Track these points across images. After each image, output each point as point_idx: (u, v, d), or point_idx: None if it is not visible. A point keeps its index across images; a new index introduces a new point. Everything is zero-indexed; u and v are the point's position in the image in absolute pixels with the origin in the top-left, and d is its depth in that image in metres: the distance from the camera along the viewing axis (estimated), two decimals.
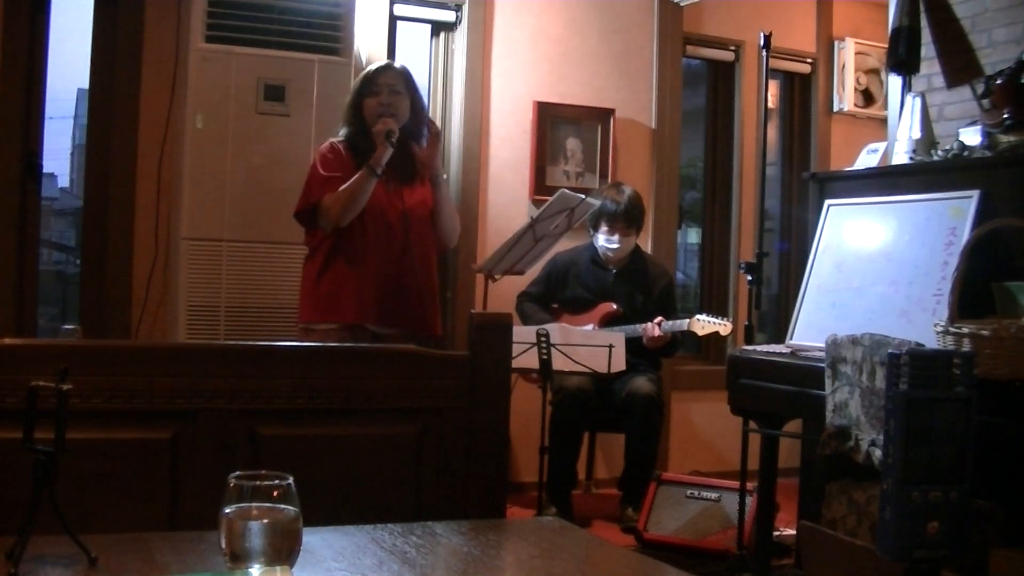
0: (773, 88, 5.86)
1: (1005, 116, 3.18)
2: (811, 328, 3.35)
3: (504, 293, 4.50)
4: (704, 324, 4.40)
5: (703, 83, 5.82)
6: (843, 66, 5.78)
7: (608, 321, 4.55)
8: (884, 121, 4.64)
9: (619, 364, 4.06)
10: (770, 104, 5.81)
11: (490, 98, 5.02)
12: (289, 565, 1.14)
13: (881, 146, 3.75)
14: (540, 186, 5.07)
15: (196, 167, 4.05)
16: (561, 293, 4.66)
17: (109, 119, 4.30)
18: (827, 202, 3.57)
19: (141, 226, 4.31)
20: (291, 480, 1.16)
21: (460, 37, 4.98)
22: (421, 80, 3.68)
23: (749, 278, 3.83)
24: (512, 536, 1.63)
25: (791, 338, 3.44)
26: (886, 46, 3.92)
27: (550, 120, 5.14)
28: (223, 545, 1.14)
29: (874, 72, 5.81)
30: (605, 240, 4.57)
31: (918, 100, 3.58)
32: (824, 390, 2.88)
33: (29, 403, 1.30)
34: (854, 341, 2.78)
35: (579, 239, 4.75)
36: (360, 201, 3.39)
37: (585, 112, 5.21)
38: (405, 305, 3.48)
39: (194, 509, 1.66)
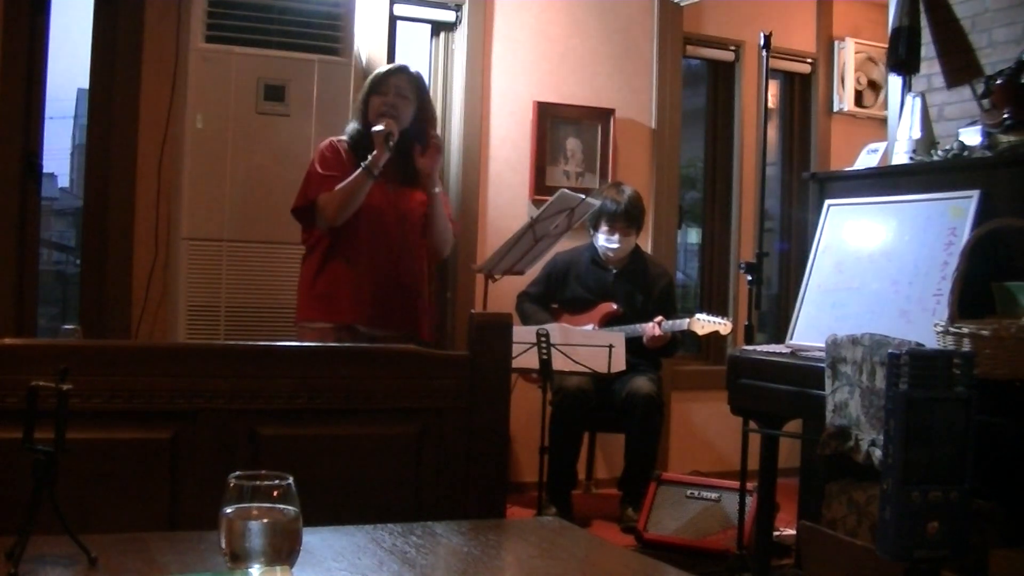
0: (773, 88, 5.86)
1: (1005, 116, 3.18)
2: (811, 328, 3.35)
3: (504, 293, 4.50)
4: (704, 324, 4.40)
5: (703, 83, 5.82)
6: (843, 66, 5.78)
7: (608, 321, 4.55)
8: (884, 121, 4.64)
9: (619, 364, 4.06)
10: (770, 104, 5.81)
11: (490, 98, 5.03)
12: (289, 565, 1.14)
13: (881, 146, 3.75)
14: (540, 186, 5.07)
15: (196, 167, 4.05)
16: (561, 293, 4.66)
17: (109, 119, 4.30)
18: (827, 202, 3.57)
19: (141, 226, 4.31)
20: (291, 480, 1.16)
21: (460, 37, 4.98)
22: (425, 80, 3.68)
23: (749, 278, 3.83)
24: (512, 536, 1.63)
25: (791, 338, 3.44)
26: (886, 46, 3.92)
27: (550, 120, 5.14)
28: (223, 545, 1.14)
29: (874, 72, 5.81)
30: (605, 240, 4.57)
31: (918, 100, 3.58)
32: (824, 390, 2.88)
33: (29, 403, 1.30)
34: (854, 341, 2.78)
35: (579, 239, 4.75)
36: (356, 201, 3.39)
37: (585, 112, 5.21)
38: (398, 307, 3.48)
39: (194, 509, 1.66)
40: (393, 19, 4.86)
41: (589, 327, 4.48)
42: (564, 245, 4.58)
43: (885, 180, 3.51)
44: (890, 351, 2.40)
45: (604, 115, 5.24)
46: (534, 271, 4.60)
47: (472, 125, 4.97)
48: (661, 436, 4.71)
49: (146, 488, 1.68)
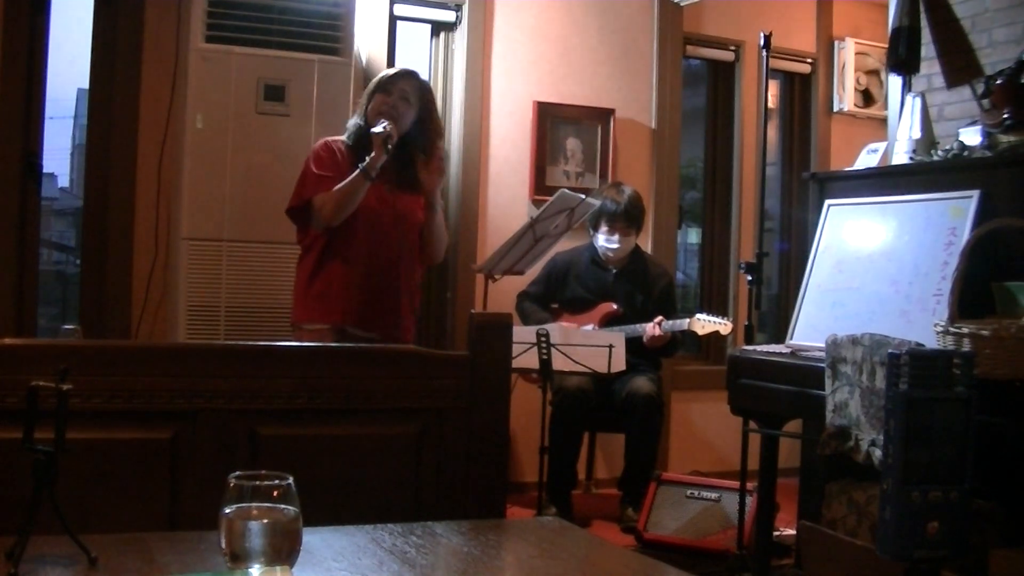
0: (773, 88, 5.86)
1: (1005, 116, 3.18)
2: (811, 328, 3.35)
3: (504, 293, 4.50)
4: (704, 324, 4.41)
5: (703, 83, 5.82)
6: (843, 66, 5.78)
7: (608, 321, 4.55)
8: (884, 121, 4.64)
9: (619, 364, 4.06)
10: (770, 104, 5.81)
11: (490, 98, 5.03)
12: (289, 565, 1.14)
13: (881, 146, 3.75)
14: (540, 186, 5.07)
15: (196, 167, 4.05)
16: (561, 293, 4.66)
17: (109, 119, 4.30)
18: (827, 202, 3.57)
19: (141, 226, 4.31)
20: (291, 480, 1.16)
21: (460, 37, 4.98)
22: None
23: (749, 278, 3.83)
24: (512, 536, 1.63)
25: (791, 338, 3.44)
26: (886, 46, 3.92)
27: (550, 120, 5.14)
28: (223, 545, 1.13)
29: (874, 72, 5.82)
30: (605, 240, 4.57)
31: (918, 100, 3.58)
32: (824, 390, 2.88)
33: (29, 403, 1.30)
34: (854, 341, 2.78)
35: (579, 239, 4.75)
36: (352, 203, 3.38)
37: (585, 112, 5.21)
38: (389, 310, 3.47)
39: (194, 509, 1.66)
40: (393, 19, 4.87)
41: (589, 327, 4.48)
42: (564, 245, 4.58)
43: (885, 180, 3.51)
44: (890, 351, 2.40)
45: (604, 115, 5.24)
46: (534, 271, 4.60)
47: (472, 125, 4.97)
48: (661, 436, 4.71)
49: (146, 488, 1.68)
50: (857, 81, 5.79)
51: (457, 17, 4.98)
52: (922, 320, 2.96)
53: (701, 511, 4.06)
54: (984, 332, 2.55)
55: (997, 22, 3.55)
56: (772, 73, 5.46)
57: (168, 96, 4.25)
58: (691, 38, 5.51)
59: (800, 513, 3.54)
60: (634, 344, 4.35)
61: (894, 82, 4.01)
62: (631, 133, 5.32)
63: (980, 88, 3.45)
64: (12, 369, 1.60)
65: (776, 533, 3.80)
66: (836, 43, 5.80)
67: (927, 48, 3.77)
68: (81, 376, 1.58)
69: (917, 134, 3.52)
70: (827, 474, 3.20)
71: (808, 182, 3.86)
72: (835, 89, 5.83)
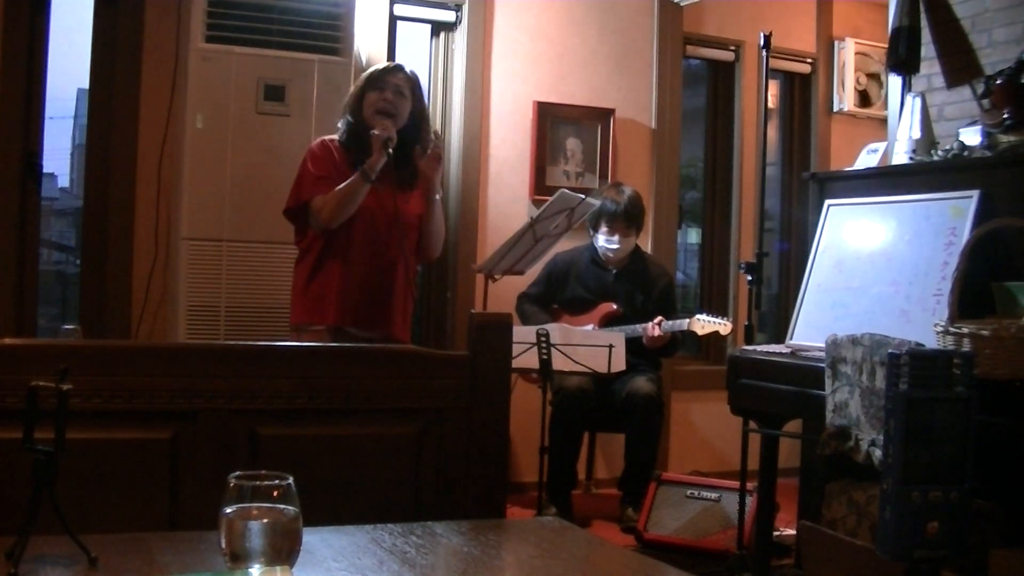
0: (773, 88, 5.86)
1: (1005, 116, 3.18)
2: (811, 328, 3.35)
3: (504, 293, 4.50)
4: (704, 324, 4.40)
5: (703, 83, 5.82)
6: (843, 66, 5.78)
7: (608, 321, 4.55)
8: (884, 121, 4.64)
9: (619, 364, 4.06)
10: (770, 104, 5.81)
11: (490, 98, 5.02)
12: (289, 565, 1.14)
13: (881, 146, 3.75)
14: (540, 186, 5.07)
15: (196, 167, 4.05)
16: (561, 293, 4.66)
17: (109, 119, 4.30)
18: (827, 202, 3.57)
19: (141, 226, 4.31)
20: (291, 480, 1.16)
21: (460, 37, 4.98)
22: (421, 80, 3.68)
23: (749, 278, 3.83)
24: (512, 536, 1.63)
25: (791, 338, 3.44)
26: (886, 46, 3.92)
27: (550, 120, 5.14)
28: (223, 545, 1.14)
29: (874, 72, 5.82)
30: (605, 240, 4.57)
31: (918, 100, 3.58)
32: (824, 390, 2.88)
33: (29, 403, 1.30)
34: (854, 341, 2.78)
35: (579, 239, 4.75)
36: (352, 205, 3.37)
37: (585, 112, 5.21)
38: (388, 310, 3.47)
39: (194, 509, 1.66)
40: (393, 19, 4.87)
41: (589, 327, 4.48)
42: (564, 245, 4.58)
43: (885, 180, 3.51)
44: (890, 351, 2.40)
45: (604, 115, 5.24)
46: (534, 271, 4.60)
47: (472, 125, 4.97)
48: (661, 436, 4.71)
49: (146, 488, 1.68)
50: (857, 81, 5.79)
51: (457, 17, 4.98)
52: (922, 320, 2.96)
53: (701, 511, 4.06)
54: (984, 332, 2.55)
55: (997, 22, 3.55)
56: (772, 73, 5.46)
57: (168, 96, 4.25)
58: (691, 38, 5.51)
59: (800, 513, 3.54)
60: (634, 344, 4.35)
61: (894, 82, 4.01)
62: (631, 133, 5.32)
63: (980, 88, 3.45)
64: (12, 369, 1.59)
65: (776, 533, 3.80)
66: (836, 43, 5.80)
67: (927, 48, 3.77)
68: (81, 376, 1.58)
69: (917, 134, 3.52)
70: (827, 474, 3.21)
71: (808, 182, 3.86)
72: (835, 89, 5.83)
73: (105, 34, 4.31)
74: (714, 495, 4.08)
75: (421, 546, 1.44)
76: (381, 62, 4.42)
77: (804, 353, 3.23)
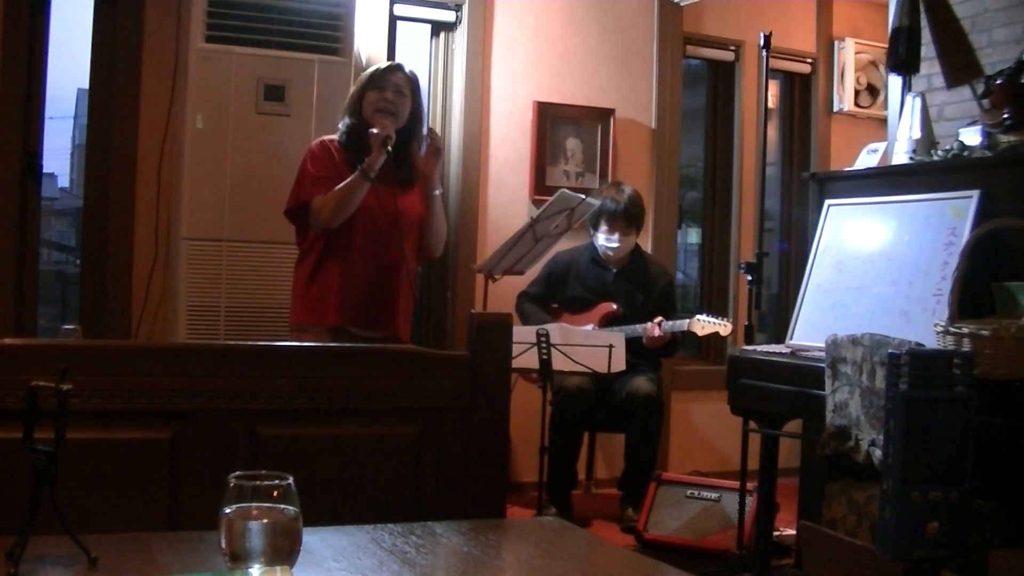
0: (773, 88, 5.86)
1: (1005, 116, 3.18)
2: (811, 328, 3.35)
3: (504, 293, 4.50)
4: (704, 324, 4.40)
5: (703, 83, 5.82)
6: (843, 66, 5.78)
7: (608, 321, 4.55)
8: (884, 121, 4.64)
9: (619, 364, 4.06)
10: (770, 104, 5.81)
11: (490, 98, 5.02)
12: (289, 565, 1.14)
13: (881, 146, 3.75)
14: (540, 186, 5.07)
15: (196, 167, 4.05)
16: (561, 293, 4.66)
17: (109, 119, 4.30)
18: (827, 202, 3.57)
19: (141, 226, 4.31)
20: (291, 480, 1.16)
21: (460, 37, 4.98)
22: (421, 80, 3.68)
23: (749, 278, 3.83)
24: (512, 536, 1.63)
25: (791, 338, 3.44)
26: (886, 46, 3.92)
27: (550, 120, 5.14)
28: (223, 545, 1.14)
29: (874, 72, 5.81)
30: (605, 239, 4.57)
31: (918, 100, 3.58)
32: (824, 390, 2.88)
33: (29, 403, 1.30)
34: (854, 341, 2.78)
35: (579, 239, 4.75)
36: (352, 204, 3.37)
37: (585, 112, 5.21)
38: (389, 310, 3.47)
39: (194, 509, 1.66)
40: (393, 19, 4.86)
41: (589, 327, 4.48)
42: (564, 245, 4.58)
43: (885, 180, 3.51)
44: (890, 351, 2.40)
45: (604, 115, 5.23)
46: (534, 271, 4.60)
47: (472, 125, 4.97)
48: (661, 436, 4.71)
49: (146, 488, 1.68)
50: (857, 81, 5.79)
51: (457, 17, 4.98)
52: (922, 320, 2.96)
53: (701, 511, 4.05)
54: (984, 332, 2.55)
55: (997, 22, 3.55)
56: (772, 73, 5.47)
57: (168, 96, 4.25)
58: (691, 38, 5.51)
59: (800, 513, 3.54)
60: (634, 344, 4.35)
61: (894, 82, 4.01)
62: (631, 133, 5.32)
63: (980, 88, 3.45)
64: (12, 369, 1.60)
65: (776, 533, 3.80)
66: (836, 43, 5.80)
67: (927, 48, 3.77)
68: (81, 376, 1.58)
69: (917, 134, 3.52)
70: (827, 474, 3.21)
71: (808, 182, 3.86)
72: (835, 89, 5.83)
73: (105, 34, 4.31)
74: (714, 495, 4.08)
75: (421, 546, 1.44)
76: (381, 62, 4.43)
77: (804, 353, 3.23)
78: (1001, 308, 2.85)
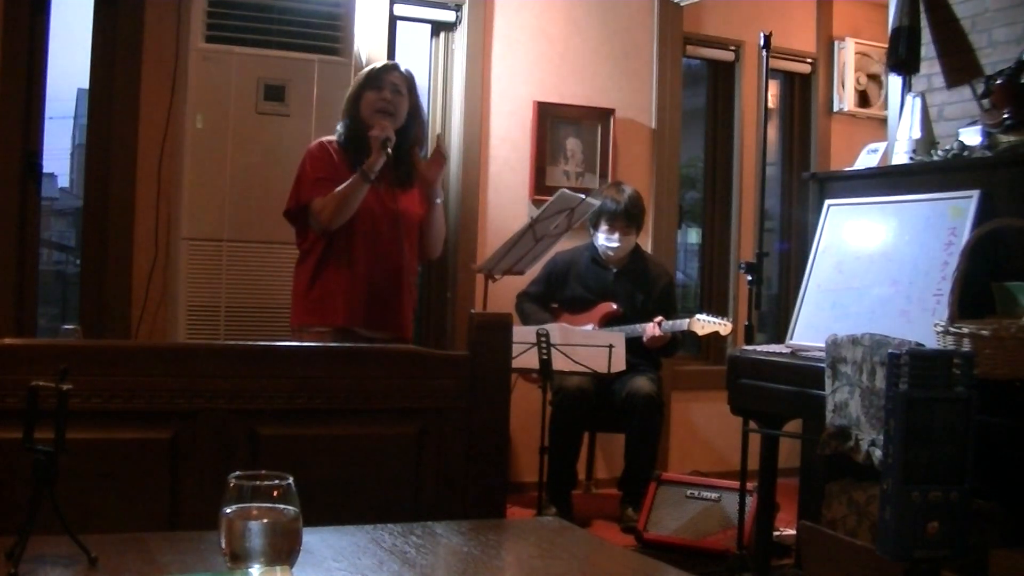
0: (773, 88, 5.86)
1: (1005, 116, 3.18)
2: (811, 328, 3.35)
3: (504, 293, 4.50)
4: (704, 324, 4.40)
5: (703, 83, 5.82)
6: (843, 66, 5.78)
7: (608, 321, 4.55)
8: (884, 121, 4.64)
9: (619, 364, 4.06)
10: (770, 104, 5.81)
11: (490, 98, 5.02)
12: (289, 565, 1.14)
13: (881, 146, 3.75)
14: (540, 186, 5.07)
15: (196, 167, 4.05)
16: (561, 293, 4.66)
17: (109, 119, 4.30)
18: (827, 202, 3.57)
19: (141, 226, 4.31)
20: (291, 480, 1.16)
21: (460, 37, 4.98)
22: (421, 80, 3.68)
23: (749, 278, 3.83)
24: (512, 536, 1.63)
25: (791, 338, 3.44)
26: (886, 46, 3.92)
27: (550, 120, 5.14)
28: (223, 545, 1.14)
29: (874, 72, 5.81)
30: (605, 239, 4.57)
31: (918, 100, 3.58)
32: (824, 390, 2.88)
33: (29, 403, 1.30)
34: (854, 341, 2.78)
35: (579, 239, 4.75)
36: (352, 206, 3.37)
37: (585, 112, 5.21)
38: (393, 309, 3.47)
39: (194, 509, 1.66)
40: (393, 19, 4.86)
41: (589, 327, 4.48)
42: (564, 245, 4.58)
43: (885, 180, 3.51)
44: (890, 351, 2.40)
45: (604, 115, 5.23)
46: (534, 271, 4.60)
47: (472, 125, 4.97)
48: (661, 436, 4.71)
49: (146, 488, 1.68)
50: (857, 81, 5.79)
51: (457, 17, 4.98)
52: (922, 320, 2.96)
53: (701, 511, 4.05)
54: (984, 332, 2.55)
55: (997, 22, 3.55)
56: (772, 73, 5.46)
57: (168, 96, 4.25)
58: (691, 38, 5.51)
59: (800, 513, 3.54)
60: (634, 344, 4.35)
61: (894, 82, 4.01)
62: (631, 133, 5.32)
63: (980, 88, 3.45)
64: (12, 369, 1.60)
65: (776, 533, 3.80)
66: (836, 43, 5.80)
67: (927, 48, 3.77)
68: (81, 376, 1.58)
69: (917, 134, 3.52)
70: (827, 474, 3.21)
71: (808, 182, 3.85)
72: (835, 89, 5.83)
73: (105, 34, 4.31)
74: (714, 495, 4.08)
75: (421, 546, 1.44)
76: (377, 62, 4.43)
77: (804, 353, 3.23)
78: (1001, 308, 2.85)
